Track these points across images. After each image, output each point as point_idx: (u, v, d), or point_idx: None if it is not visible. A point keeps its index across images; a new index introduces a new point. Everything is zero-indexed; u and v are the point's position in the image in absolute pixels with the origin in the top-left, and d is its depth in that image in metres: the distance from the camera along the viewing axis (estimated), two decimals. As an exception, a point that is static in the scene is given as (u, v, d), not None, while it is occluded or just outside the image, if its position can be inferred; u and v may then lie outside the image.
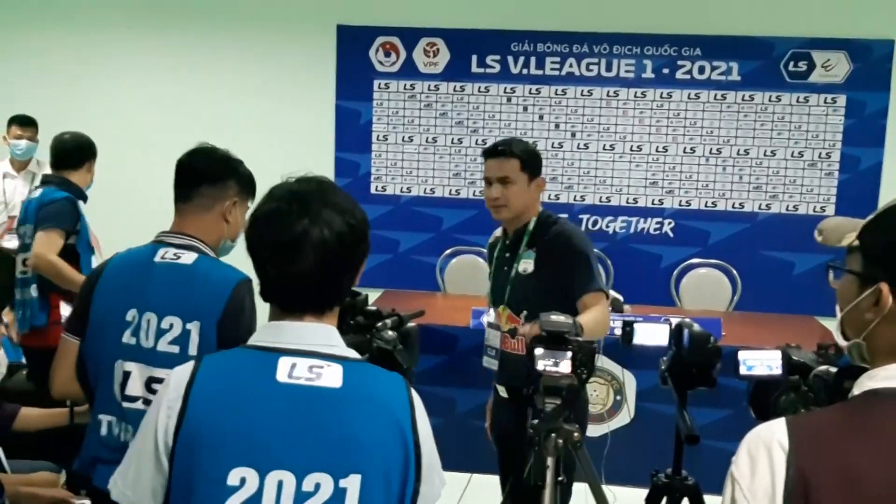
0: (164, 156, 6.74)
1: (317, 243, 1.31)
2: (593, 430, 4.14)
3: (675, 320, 2.48)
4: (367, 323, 2.11)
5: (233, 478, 1.25)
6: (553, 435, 2.19)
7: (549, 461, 2.19)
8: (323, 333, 1.35)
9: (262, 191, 1.44)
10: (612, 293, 4.81)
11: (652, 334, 2.37)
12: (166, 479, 1.28)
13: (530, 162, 2.84)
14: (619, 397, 4.50)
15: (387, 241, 6.32)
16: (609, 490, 2.44)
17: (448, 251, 6.18)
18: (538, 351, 2.18)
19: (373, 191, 6.43)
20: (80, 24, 6.60)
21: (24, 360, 3.74)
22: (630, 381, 4.50)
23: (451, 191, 6.42)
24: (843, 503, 1.13)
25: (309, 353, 1.32)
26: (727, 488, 1.21)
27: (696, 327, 2.39)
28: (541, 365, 2.18)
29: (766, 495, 1.15)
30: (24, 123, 5.32)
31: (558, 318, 2.21)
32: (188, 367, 1.33)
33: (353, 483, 1.26)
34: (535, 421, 2.20)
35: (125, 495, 1.31)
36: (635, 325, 2.39)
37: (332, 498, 1.26)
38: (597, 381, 4.44)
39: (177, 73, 6.57)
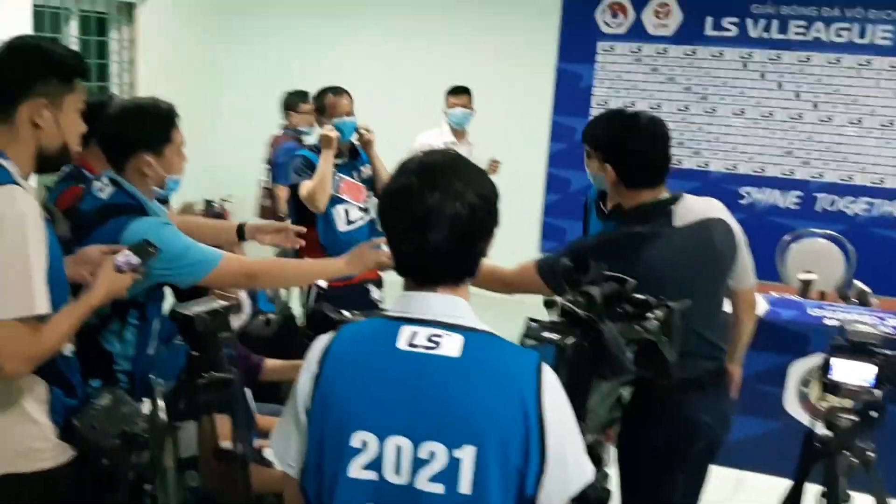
0: (396, 107, 6.69)
1: (449, 216, 1.30)
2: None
3: None
4: (636, 312, 2.01)
5: (355, 440, 1.28)
6: (847, 453, 2.01)
7: (842, 481, 2.01)
8: (449, 304, 1.35)
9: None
10: (858, 283, 4.43)
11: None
12: (306, 439, 1.34)
13: (600, 147, 2.36)
14: None
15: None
16: None
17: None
18: (836, 360, 1.98)
19: (588, 156, 6.25)
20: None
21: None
22: None
23: (674, 160, 6.14)
24: None
25: (432, 323, 1.32)
26: None
27: None
28: (839, 376, 1.98)
29: None
30: (458, 92, 5.31)
31: (864, 327, 2.00)
32: (331, 333, 1.38)
33: (467, 454, 1.25)
34: (829, 433, 2.02)
35: (279, 455, 1.39)
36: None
37: (447, 467, 1.25)
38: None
39: (403, 34, 6.67)
